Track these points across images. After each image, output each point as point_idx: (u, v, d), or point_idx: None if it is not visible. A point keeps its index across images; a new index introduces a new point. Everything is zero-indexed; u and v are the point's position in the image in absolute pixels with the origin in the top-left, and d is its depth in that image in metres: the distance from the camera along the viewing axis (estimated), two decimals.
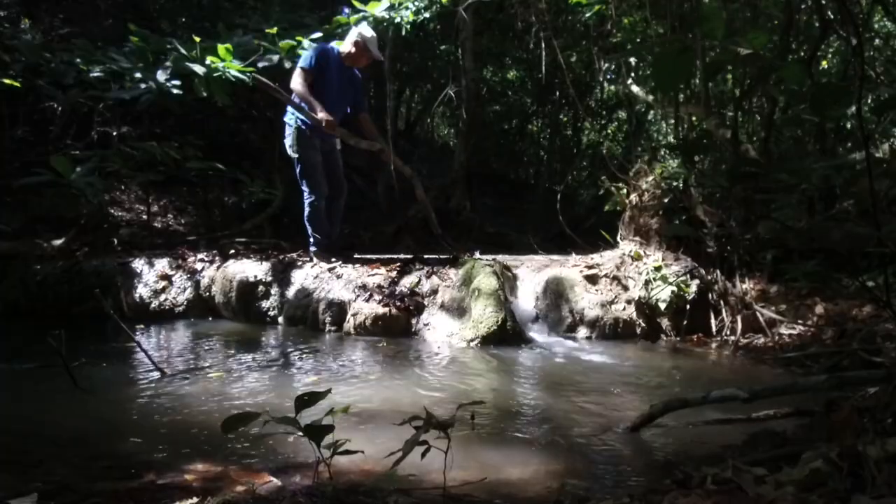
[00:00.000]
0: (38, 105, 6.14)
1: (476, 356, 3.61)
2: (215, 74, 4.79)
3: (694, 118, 5.33)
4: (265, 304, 4.53)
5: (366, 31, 4.70)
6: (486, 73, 10.67)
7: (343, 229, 5.35)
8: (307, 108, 4.47)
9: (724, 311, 4.22)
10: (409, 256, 4.83)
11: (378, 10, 5.47)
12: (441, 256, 4.76)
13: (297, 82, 4.50)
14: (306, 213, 4.72)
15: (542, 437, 2.28)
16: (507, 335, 3.87)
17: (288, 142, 4.66)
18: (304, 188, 4.69)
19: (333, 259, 4.65)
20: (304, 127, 4.58)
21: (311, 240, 4.75)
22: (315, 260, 4.69)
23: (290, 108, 4.65)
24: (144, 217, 6.41)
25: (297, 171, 4.68)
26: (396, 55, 8.60)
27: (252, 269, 4.63)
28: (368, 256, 5.02)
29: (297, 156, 4.63)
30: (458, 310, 4.10)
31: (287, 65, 5.15)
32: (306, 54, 4.62)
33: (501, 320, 3.88)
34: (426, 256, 4.73)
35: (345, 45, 4.68)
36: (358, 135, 4.88)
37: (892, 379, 2.02)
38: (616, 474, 1.96)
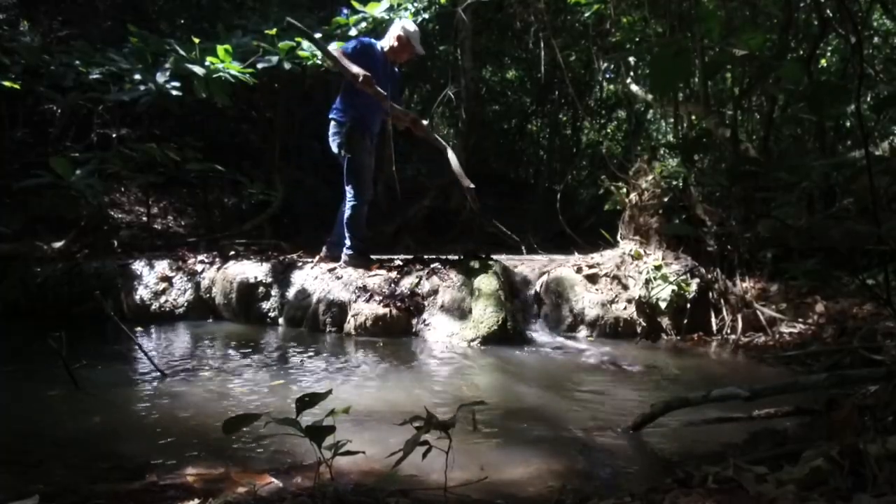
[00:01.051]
0: (38, 107, 6.16)
1: (477, 356, 3.61)
2: (215, 75, 4.79)
3: (693, 117, 5.33)
4: (265, 305, 4.53)
5: (409, 25, 4.58)
6: (485, 72, 10.68)
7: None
8: (344, 66, 4.24)
9: (724, 309, 4.22)
10: (409, 256, 4.83)
11: (377, 10, 5.48)
12: (442, 256, 4.76)
13: (337, 53, 4.32)
14: (348, 215, 4.52)
15: (543, 437, 2.28)
16: (507, 335, 3.87)
17: (337, 140, 4.49)
18: (350, 190, 4.52)
19: (367, 265, 4.49)
20: (357, 126, 4.45)
21: (348, 243, 4.57)
22: (348, 265, 4.52)
23: (339, 106, 4.51)
24: (144, 218, 6.41)
25: (346, 170, 4.50)
26: None
27: (252, 270, 4.63)
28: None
29: (348, 155, 4.46)
30: (459, 310, 4.10)
31: (287, 66, 5.15)
32: (348, 43, 4.52)
33: (502, 320, 3.88)
34: (427, 256, 4.72)
35: (386, 40, 4.57)
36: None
37: (892, 377, 2.02)
38: (617, 473, 1.96)
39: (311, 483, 1.73)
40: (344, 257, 4.58)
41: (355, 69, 4.21)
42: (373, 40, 4.61)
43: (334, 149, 4.55)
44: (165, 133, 6.51)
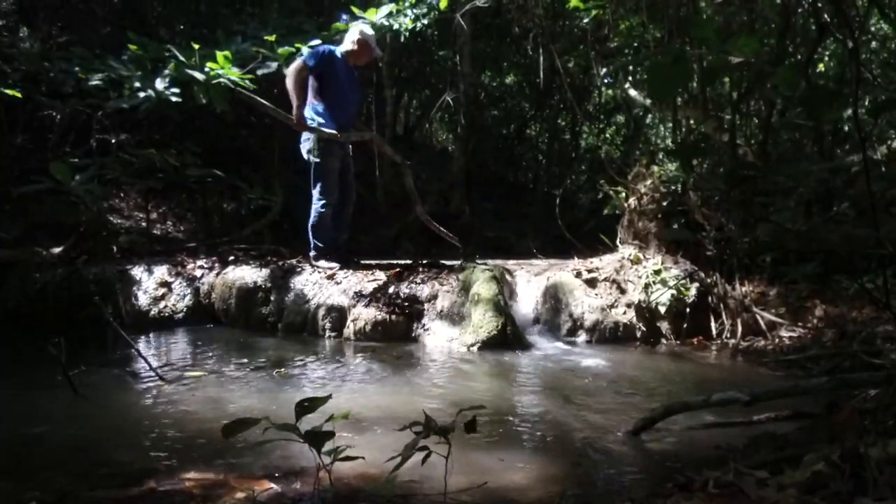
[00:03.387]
0: (38, 113, 6.15)
1: (476, 361, 3.61)
2: (214, 81, 4.80)
3: (692, 121, 5.34)
4: (265, 310, 4.53)
5: (367, 28, 4.69)
6: (484, 77, 10.71)
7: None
8: (281, 116, 4.53)
9: (723, 313, 4.22)
10: (408, 261, 4.83)
11: (377, 16, 5.49)
12: (442, 261, 4.76)
13: (290, 73, 4.47)
14: (312, 218, 4.66)
15: (543, 442, 2.27)
16: (507, 340, 3.87)
17: (306, 146, 4.60)
18: (316, 193, 4.63)
19: (333, 265, 4.62)
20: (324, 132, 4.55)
21: (312, 244, 4.73)
22: (315, 266, 4.66)
23: (308, 113, 4.59)
24: (144, 224, 6.41)
25: (312, 175, 4.61)
26: (395, 61, 8.61)
27: (251, 275, 4.63)
28: (368, 262, 5.02)
29: (315, 160, 4.56)
30: (458, 315, 4.09)
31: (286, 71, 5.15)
32: (310, 52, 4.60)
33: (501, 325, 3.88)
34: (425, 261, 4.72)
35: (345, 44, 4.66)
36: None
37: (892, 380, 2.02)
38: (617, 478, 1.95)
39: (311, 488, 1.73)
40: (312, 260, 4.72)
41: (294, 112, 4.45)
42: (332, 48, 4.69)
43: (304, 155, 4.65)
44: (165, 138, 6.51)
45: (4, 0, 6.72)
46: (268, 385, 3.01)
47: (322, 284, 4.45)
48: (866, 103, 4.71)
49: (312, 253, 4.74)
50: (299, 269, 4.69)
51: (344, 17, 5.63)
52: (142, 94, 4.84)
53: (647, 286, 4.24)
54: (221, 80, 4.85)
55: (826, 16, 4.77)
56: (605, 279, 4.41)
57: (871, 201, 1.93)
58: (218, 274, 4.73)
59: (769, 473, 1.50)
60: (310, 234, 4.72)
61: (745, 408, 2.27)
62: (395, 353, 3.76)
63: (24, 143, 6.21)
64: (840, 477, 1.37)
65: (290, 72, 4.50)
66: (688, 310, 4.18)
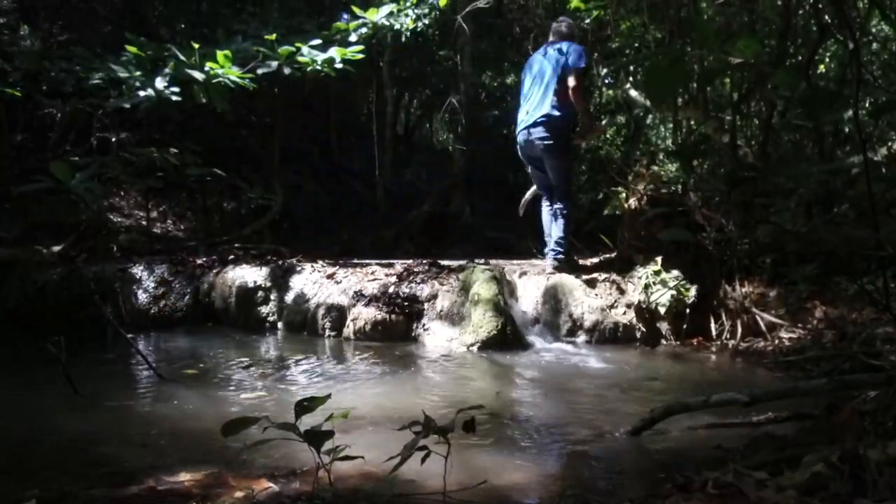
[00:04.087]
0: (38, 112, 6.16)
1: (476, 361, 3.61)
2: (214, 81, 4.80)
3: (692, 122, 5.35)
4: (264, 309, 4.53)
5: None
6: (484, 77, 10.71)
7: (348, 233, 5.23)
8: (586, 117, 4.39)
9: (723, 314, 4.21)
10: (408, 261, 4.82)
11: (378, 16, 5.49)
12: (442, 262, 4.75)
13: (578, 88, 4.28)
14: (566, 221, 4.44)
15: (543, 442, 2.27)
16: (506, 340, 3.86)
17: (555, 143, 4.43)
18: (564, 197, 4.46)
19: (576, 269, 4.37)
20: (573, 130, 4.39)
21: (564, 249, 4.47)
22: (555, 271, 4.43)
23: (560, 107, 4.39)
24: (144, 223, 6.42)
25: (562, 178, 4.47)
26: (395, 61, 8.61)
27: (251, 274, 4.63)
28: (368, 261, 5.02)
29: (566, 154, 4.42)
30: (458, 315, 4.09)
31: (286, 71, 5.16)
32: (580, 53, 4.32)
33: (501, 325, 3.88)
34: (425, 261, 4.72)
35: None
36: None
37: (892, 382, 2.02)
38: (616, 478, 1.95)
39: (310, 488, 1.73)
40: (554, 263, 4.49)
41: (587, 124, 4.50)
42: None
43: (552, 151, 4.46)
44: (165, 137, 6.51)
45: None
46: (267, 384, 3.01)
47: (322, 284, 4.45)
48: (867, 105, 4.71)
49: (560, 257, 4.45)
50: (299, 268, 4.69)
51: (345, 16, 5.63)
52: (142, 94, 4.84)
53: (646, 287, 4.23)
54: (221, 79, 4.85)
55: (827, 17, 4.77)
56: (605, 279, 4.41)
57: (872, 203, 1.92)
58: (218, 273, 4.73)
59: (768, 474, 1.50)
60: (563, 236, 4.44)
61: (744, 409, 2.27)
62: (394, 353, 3.76)
63: (24, 143, 6.22)
64: (839, 478, 1.37)
65: (578, 87, 4.29)
66: (687, 311, 4.17)
